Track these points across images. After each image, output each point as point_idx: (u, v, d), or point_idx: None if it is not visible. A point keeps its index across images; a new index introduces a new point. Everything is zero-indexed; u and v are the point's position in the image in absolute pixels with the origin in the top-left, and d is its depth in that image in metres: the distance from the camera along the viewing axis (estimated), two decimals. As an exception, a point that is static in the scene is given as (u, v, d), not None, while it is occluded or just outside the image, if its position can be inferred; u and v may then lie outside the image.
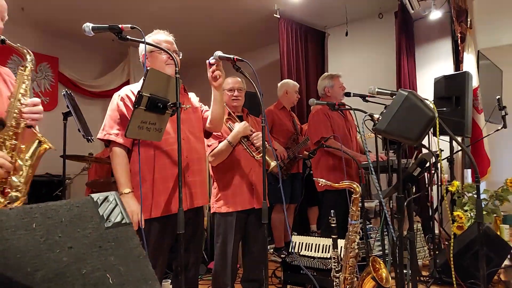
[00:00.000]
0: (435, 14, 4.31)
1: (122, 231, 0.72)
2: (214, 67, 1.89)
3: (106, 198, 0.75)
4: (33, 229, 0.64)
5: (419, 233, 3.36)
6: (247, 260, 2.58)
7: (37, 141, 1.42)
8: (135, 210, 1.74)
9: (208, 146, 2.36)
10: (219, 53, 1.92)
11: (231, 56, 1.87)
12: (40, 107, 1.44)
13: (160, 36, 1.97)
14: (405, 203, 1.69)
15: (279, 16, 4.94)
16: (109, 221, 0.72)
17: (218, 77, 1.91)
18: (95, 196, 0.74)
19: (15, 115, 1.36)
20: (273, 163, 2.20)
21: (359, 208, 2.07)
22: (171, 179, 1.88)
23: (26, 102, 1.40)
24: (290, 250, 2.94)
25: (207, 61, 1.92)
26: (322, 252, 2.82)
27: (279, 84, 4.04)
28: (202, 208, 2.10)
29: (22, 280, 0.57)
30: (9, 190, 1.33)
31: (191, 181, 1.94)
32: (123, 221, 0.73)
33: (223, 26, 5.47)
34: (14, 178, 1.34)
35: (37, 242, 0.63)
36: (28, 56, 1.47)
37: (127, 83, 6.26)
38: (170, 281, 3.01)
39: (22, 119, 1.37)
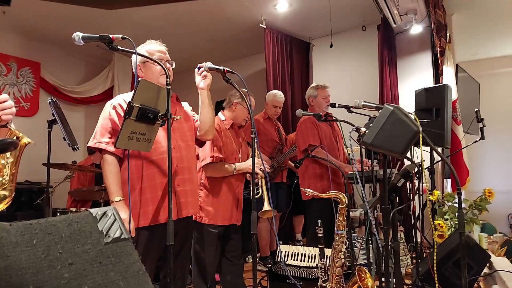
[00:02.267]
0: (416, 29, 4.45)
1: (121, 246, 0.72)
2: (202, 68, 1.94)
3: (105, 213, 0.75)
4: (34, 245, 0.64)
5: (402, 241, 3.43)
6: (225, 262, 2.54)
7: (14, 137, 1.39)
8: (125, 219, 1.74)
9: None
10: (209, 64, 1.95)
11: (222, 67, 1.90)
12: (11, 102, 1.37)
13: (153, 46, 1.98)
14: (391, 215, 1.73)
15: (265, 26, 5.01)
16: (109, 236, 0.72)
17: (206, 76, 1.95)
18: (94, 211, 0.75)
19: None
20: (266, 206, 2.28)
21: (345, 218, 2.11)
22: (160, 188, 1.87)
23: None
24: (276, 259, 2.95)
25: (196, 68, 1.96)
26: (308, 261, 2.85)
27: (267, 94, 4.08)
28: (191, 218, 2.09)
29: (25, 298, 0.57)
30: None
31: (181, 190, 1.94)
32: (122, 236, 0.74)
33: (210, 35, 5.50)
34: None
35: (38, 258, 0.63)
36: None
37: (111, 89, 6.19)
38: (155, 291, 2.98)
39: None
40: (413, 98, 3.71)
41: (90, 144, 1.85)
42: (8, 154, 1.35)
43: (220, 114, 2.63)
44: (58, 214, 3.47)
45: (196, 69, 1.95)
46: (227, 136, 2.50)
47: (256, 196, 2.43)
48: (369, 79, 4.97)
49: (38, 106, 5.56)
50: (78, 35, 1.69)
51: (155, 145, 1.82)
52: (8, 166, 1.34)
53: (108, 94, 6.18)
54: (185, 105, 2.18)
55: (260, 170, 2.35)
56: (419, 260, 3.10)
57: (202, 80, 1.95)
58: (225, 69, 1.85)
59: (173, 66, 1.98)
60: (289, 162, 4.12)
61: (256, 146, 1.81)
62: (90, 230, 0.72)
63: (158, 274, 2.12)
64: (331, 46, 4.87)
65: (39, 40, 5.57)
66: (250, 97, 2.51)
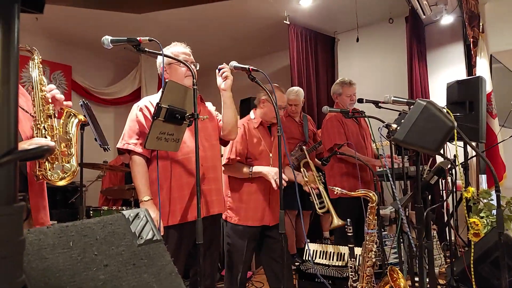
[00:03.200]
0: (447, 19, 4.29)
1: (154, 248, 0.73)
2: (223, 69, 1.94)
3: (137, 214, 0.76)
4: (70, 248, 0.65)
5: (435, 240, 3.32)
6: (269, 274, 2.53)
7: (70, 114, 1.52)
8: (154, 217, 1.78)
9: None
10: (234, 63, 1.96)
11: (246, 66, 1.91)
12: (56, 91, 1.53)
13: (178, 48, 2.01)
14: (425, 214, 1.68)
15: (288, 23, 4.96)
16: (141, 238, 0.73)
17: (227, 77, 1.95)
18: (126, 213, 0.76)
19: (42, 101, 1.46)
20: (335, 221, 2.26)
21: (375, 217, 2.06)
22: (187, 187, 1.91)
23: (47, 88, 1.50)
24: (304, 258, 2.92)
25: (217, 69, 1.97)
26: (337, 260, 2.81)
27: None
28: (219, 216, 2.11)
29: (63, 299, 0.58)
30: (63, 163, 1.46)
31: (207, 189, 1.96)
32: (154, 238, 0.74)
33: (233, 33, 5.51)
34: (65, 151, 1.47)
35: (75, 260, 0.64)
36: (34, 52, 1.58)
37: (138, 90, 6.33)
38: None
39: (50, 104, 1.48)
40: (444, 91, 3.57)
41: (119, 145, 1.90)
42: (69, 129, 1.47)
43: (251, 112, 2.59)
44: (91, 212, 3.59)
45: (217, 70, 1.95)
46: (254, 136, 2.45)
47: (321, 210, 2.42)
48: (397, 73, 4.83)
49: (71, 107, 5.76)
50: (107, 38, 1.73)
51: (181, 145, 1.84)
52: (72, 142, 1.47)
53: (136, 95, 6.32)
54: (209, 105, 2.19)
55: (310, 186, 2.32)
56: (453, 260, 3.00)
57: (223, 82, 1.95)
58: (250, 67, 1.85)
59: (197, 68, 2.00)
60: (316, 160, 4.06)
61: (283, 144, 1.79)
62: (124, 232, 0.73)
63: (188, 271, 2.16)
64: (357, 40, 4.77)
65: (69, 44, 5.76)
66: (280, 92, 2.49)
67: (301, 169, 2.34)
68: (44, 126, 1.44)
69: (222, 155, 2.40)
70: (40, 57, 1.58)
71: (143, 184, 1.84)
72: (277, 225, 2.42)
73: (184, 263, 1.97)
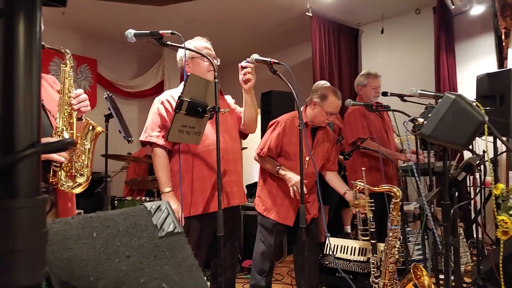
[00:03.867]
0: (477, 9, 4.11)
1: (175, 240, 0.73)
2: (245, 70, 1.91)
3: (159, 207, 0.77)
4: (94, 238, 0.66)
5: (461, 237, 3.23)
6: (296, 264, 2.54)
7: (90, 126, 1.53)
8: (175, 209, 1.81)
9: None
10: (255, 56, 1.93)
11: (268, 59, 1.88)
12: (85, 96, 1.55)
13: (200, 43, 2.02)
14: (452, 211, 1.62)
15: (311, 14, 4.89)
16: (163, 230, 0.74)
17: (249, 80, 1.93)
18: (148, 205, 0.76)
19: (66, 107, 1.47)
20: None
21: (399, 213, 2.02)
22: (208, 178, 1.93)
23: (72, 94, 1.51)
24: (325, 252, 2.90)
25: (239, 65, 1.94)
26: (359, 255, 2.77)
27: None
28: (239, 207, 2.13)
29: (86, 289, 0.59)
30: (76, 174, 1.47)
31: (227, 180, 1.98)
32: (176, 230, 0.75)
33: (255, 26, 5.47)
34: (79, 162, 1.48)
35: (98, 251, 0.65)
36: (66, 55, 1.56)
37: (161, 83, 6.41)
38: (206, 278, 3.06)
39: (73, 110, 1.49)
40: (473, 84, 3.44)
41: (142, 138, 1.93)
42: (85, 141, 1.50)
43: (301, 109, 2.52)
44: (115, 202, 3.68)
45: (239, 67, 1.93)
46: (294, 134, 2.35)
47: (363, 238, 2.35)
48: (424, 65, 4.68)
49: (96, 100, 5.89)
50: (130, 32, 1.75)
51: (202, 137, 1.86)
52: (86, 153, 1.48)
53: (159, 88, 6.40)
54: (228, 98, 2.21)
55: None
56: (480, 258, 2.90)
57: (245, 84, 1.94)
58: (272, 60, 1.83)
59: (218, 63, 2.00)
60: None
61: (304, 140, 1.77)
62: (146, 224, 0.73)
63: (209, 262, 2.18)
64: (382, 31, 4.65)
65: (95, 38, 5.87)
66: (334, 97, 2.36)
67: (354, 189, 2.28)
68: (64, 133, 1.45)
69: (242, 148, 2.41)
70: (72, 62, 1.58)
71: (165, 176, 1.88)
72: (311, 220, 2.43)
73: (205, 253, 2.00)
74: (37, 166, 0.41)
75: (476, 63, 4.36)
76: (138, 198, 3.64)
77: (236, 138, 2.10)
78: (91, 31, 5.66)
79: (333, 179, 2.54)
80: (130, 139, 2.63)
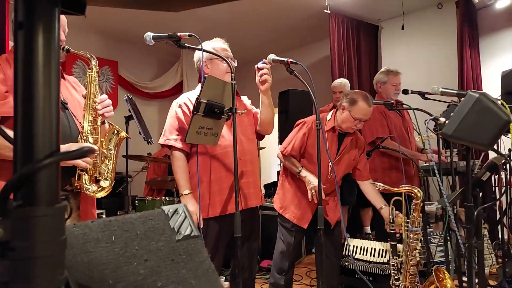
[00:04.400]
0: (502, 2, 3.98)
1: (192, 244, 0.74)
2: (262, 71, 1.91)
3: (176, 210, 0.78)
4: (113, 242, 0.67)
5: (486, 239, 3.14)
6: (316, 264, 2.54)
7: (115, 131, 1.56)
8: (193, 211, 1.83)
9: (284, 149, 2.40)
10: (272, 56, 1.93)
11: (285, 59, 1.88)
12: (109, 101, 1.58)
13: (219, 44, 2.03)
14: (475, 213, 1.58)
15: (329, 12, 4.83)
16: (180, 234, 0.74)
17: (266, 81, 1.92)
18: (166, 208, 0.77)
19: (91, 112, 1.50)
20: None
21: (420, 215, 1.98)
22: (225, 180, 1.94)
23: (97, 100, 1.54)
24: (344, 253, 2.87)
25: (256, 66, 1.94)
26: (379, 256, 2.73)
27: None
28: (257, 208, 2.13)
29: (105, 292, 0.60)
30: (100, 178, 1.50)
31: (244, 182, 1.99)
32: (192, 234, 0.75)
33: (272, 24, 5.46)
34: (103, 167, 1.51)
35: (117, 255, 0.66)
36: (92, 60, 1.60)
37: (180, 84, 6.48)
38: (224, 278, 3.08)
39: (98, 116, 1.53)
40: (498, 81, 3.33)
41: (161, 141, 1.97)
42: (110, 146, 1.53)
43: (330, 112, 2.44)
44: (136, 202, 3.74)
45: (256, 68, 1.93)
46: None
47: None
48: (447, 62, 4.56)
49: (117, 102, 6.00)
50: (149, 35, 1.78)
51: (219, 139, 1.87)
52: (112, 157, 1.52)
53: (178, 89, 6.47)
54: (244, 99, 2.21)
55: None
56: (505, 260, 2.81)
57: (262, 85, 1.94)
58: (289, 60, 1.82)
59: (236, 64, 2.01)
60: None
61: (323, 141, 1.75)
62: (163, 227, 0.74)
63: (229, 261, 2.20)
64: (403, 27, 4.55)
65: (116, 40, 5.99)
66: (364, 102, 2.26)
67: (391, 206, 2.21)
68: (89, 138, 1.49)
69: (260, 148, 2.41)
70: (97, 67, 1.61)
71: (183, 178, 1.90)
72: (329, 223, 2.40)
73: (223, 254, 2.01)
74: (56, 174, 0.42)
75: (501, 58, 4.22)
76: (158, 198, 3.69)
77: (252, 139, 2.10)
78: (112, 33, 5.77)
79: (369, 192, 2.47)
80: (149, 140, 2.67)
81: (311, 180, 2.20)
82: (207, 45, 2.01)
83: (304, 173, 2.27)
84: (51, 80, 0.42)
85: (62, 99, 1.51)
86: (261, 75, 1.91)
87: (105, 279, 0.62)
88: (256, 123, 2.14)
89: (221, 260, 2.03)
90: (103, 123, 1.57)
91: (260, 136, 2.22)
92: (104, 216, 3.65)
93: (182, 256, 0.71)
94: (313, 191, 2.18)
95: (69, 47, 1.56)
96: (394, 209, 2.14)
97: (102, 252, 0.65)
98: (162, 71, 6.62)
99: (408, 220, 2.10)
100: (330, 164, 2.23)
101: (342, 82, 3.90)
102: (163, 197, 3.79)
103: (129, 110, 2.66)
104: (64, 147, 1.38)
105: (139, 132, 2.68)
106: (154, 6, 0.65)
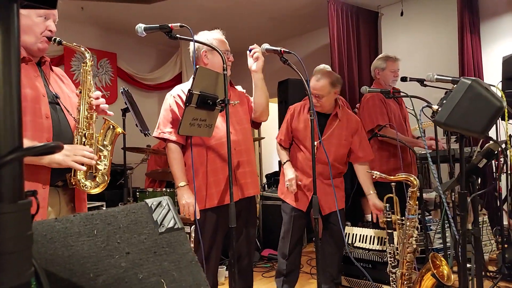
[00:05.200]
0: (504, -15, 3.90)
1: (175, 236, 0.75)
2: (254, 50, 1.93)
3: (159, 203, 0.78)
4: (95, 235, 0.68)
5: (485, 225, 3.14)
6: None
7: (110, 126, 1.56)
8: (190, 202, 1.84)
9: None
10: (266, 45, 1.93)
11: (278, 48, 1.87)
12: (103, 100, 1.57)
13: (217, 36, 2.03)
14: (469, 200, 1.57)
15: (328, -1, 4.77)
16: (163, 226, 0.75)
17: (257, 58, 1.92)
18: (149, 201, 0.78)
19: (87, 107, 1.49)
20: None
21: (416, 202, 1.98)
22: (221, 171, 1.94)
23: (93, 95, 1.53)
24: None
25: (248, 50, 1.96)
26: (378, 244, 2.74)
27: None
28: (254, 197, 2.13)
29: (86, 285, 0.61)
30: (96, 174, 1.49)
31: (241, 172, 1.99)
32: (176, 226, 0.76)
33: (270, 13, 5.39)
34: (100, 162, 1.51)
35: (99, 248, 0.67)
36: (86, 54, 1.57)
37: (179, 75, 6.45)
38: (226, 267, 3.11)
39: (93, 111, 1.52)
40: (499, 66, 3.29)
41: (155, 134, 1.97)
42: (105, 142, 1.52)
43: None
44: (137, 193, 3.77)
45: (248, 51, 1.93)
46: (301, 121, 2.46)
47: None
48: (447, 48, 4.50)
49: (116, 94, 6.00)
50: (140, 26, 1.76)
51: (214, 130, 1.87)
52: (108, 153, 1.51)
53: (178, 80, 6.45)
54: (239, 88, 2.20)
55: None
56: (505, 246, 2.82)
57: (254, 63, 1.93)
58: (282, 49, 1.81)
59: (233, 59, 2.03)
60: None
61: (314, 129, 1.75)
62: (146, 220, 0.74)
63: (226, 250, 2.23)
64: (402, 14, 4.49)
65: (114, 32, 5.95)
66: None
67: (384, 203, 2.22)
68: (85, 134, 1.47)
69: (261, 138, 2.44)
70: (92, 61, 1.59)
71: (179, 170, 1.91)
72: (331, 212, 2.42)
73: (222, 244, 2.03)
74: (19, 171, 0.42)
75: (502, 43, 4.16)
76: (159, 190, 3.71)
77: (247, 129, 2.10)
78: (111, 25, 5.74)
79: (360, 175, 2.51)
80: (146, 132, 2.67)
81: (287, 173, 2.35)
82: (204, 35, 2.00)
83: (286, 166, 2.42)
84: (12, 78, 0.41)
85: (54, 93, 1.48)
86: (253, 53, 1.92)
87: (86, 273, 0.63)
88: (251, 112, 2.14)
89: (220, 250, 2.05)
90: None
91: (256, 124, 2.22)
92: (104, 208, 3.68)
93: (164, 248, 0.72)
94: (287, 183, 2.31)
95: (61, 39, 1.53)
96: (388, 206, 2.14)
97: (84, 245, 0.66)
98: (161, 62, 6.59)
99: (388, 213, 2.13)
100: (315, 143, 2.27)
101: (325, 66, 3.86)
102: (164, 189, 3.81)
103: (125, 103, 2.65)
104: (67, 148, 1.38)
105: (136, 125, 2.68)
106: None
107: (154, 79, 6.41)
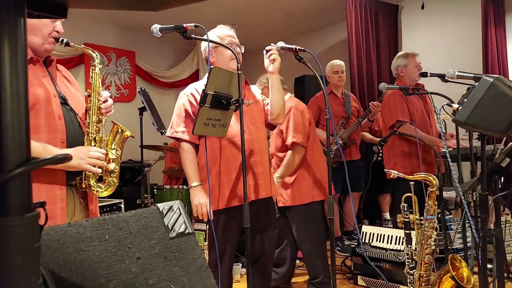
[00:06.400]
0: (532, -25, 3.74)
1: (185, 241, 0.75)
2: (270, 52, 1.90)
3: (170, 207, 0.78)
4: (106, 241, 0.69)
5: (508, 225, 3.04)
6: None
7: (119, 130, 1.57)
8: (203, 203, 1.85)
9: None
10: (281, 43, 1.91)
11: (293, 46, 1.86)
12: (111, 100, 1.58)
13: (223, 31, 2.01)
14: (491, 200, 1.52)
15: (346, -7, 4.68)
16: (174, 231, 0.75)
17: (274, 60, 1.90)
18: (160, 206, 0.78)
19: (97, 111, 1.50)
20: None
21: (435, 203, 1.93)
22: (234, 170, 1.93)
23: (101, 98, 1.53)
24: (360, 240, 2.85)
25: (264, 50, 1.94)
26: (396, 243, 2.70)
27: None
28: (271, 199, 2.10)
29: (97, 290, 0.62)
30: (106, 177, 1.51)
31: (253, 172, 1.97)
32: (186, 231, 0.76)
33: (287, 8, 5.34)
34: (110, 165, 1.52)
35: (110, 253, 0.68)
36: (94, 56, 1.55)
37: (196, 72, 6.49)
38: (241, 264, 3.12)
39: (102, 115, 1.52)
40: (526, 60, 3.17)
41: (168, 134, 1.98)
42: (114, 145, 1.54)
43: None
44: (155, 190, 3.82)
45: (264, 52, 1.91)
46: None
47: None
48: (470, 42, 4.35)
49: (135, 92, 6.08)
50: (156, 27, 1.78)
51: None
52: (118, 156, 1.53)
53: (195, 77, 6.49)
54: (254, 88, 2.18)
55: None
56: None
57: (271, 64, 1.91)
58: (297, 47, 1.79)
59: (243, 51, 1.98)
60: (372, 137, 3.88)
61: (329, 125, 1.72)
62: (157, 225, 0.75)
63: (242, 248, 2.21)
64: (423, 7, 4.36)
65: (133, 31, 6.03)
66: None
67: (402, 203, 2.14)
68: (94, 138, 1.48)
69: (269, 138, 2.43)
70: (100, 65, 1.57)
71: (192, 170, 1.91)
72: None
73: (235, 244, 2.03)
74: (27, 184, 0.42)
75: (529, 36, 4.00)
76: (176, 187, 3.75)
77: (261, 128, 2.07)
78: (130, 24, 5.81)
79: None
80: (163, 131, 2.70)
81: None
82: (212, 32, 1.99)
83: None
84: (20, 92, 0.42)
85: (62, 95, 1.47)
86: (270, 55, 1.90)
87: (97, 278, 0.64)
88: (266, 114, 2.12)
89: (233, 251, 2.04)
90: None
91: (271, 126, 2.21)
92: (122, 206, 3.75)
93: (174, 253, 0.72)
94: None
95: (68, 40, 1.49)
96: (405, 206, 2.09)
97: (95, 251, 0.67)
98: (178, 60, 6.64)
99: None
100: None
101: (341, 62, 3.83)
102: (181, 186, 3.85)
103: (142, 102, 2.69)
104: (71, 151, 1.38)
105: (152, 123, 2.71)
106: (135, 7, 0.65)
107: (172, 76, 6.47)
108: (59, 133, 1.39)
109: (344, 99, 3.79)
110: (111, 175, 1.52)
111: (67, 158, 0.47)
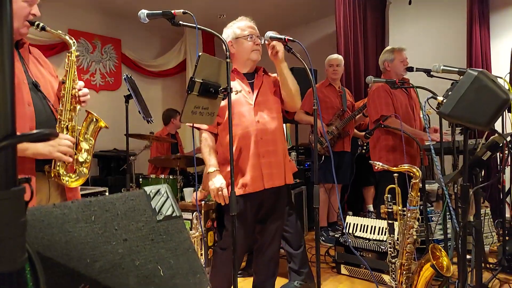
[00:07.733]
0: (516, -26, 3.81)
1: (172, 224, 0.75)
2: (271, 44, 1.91)
3: (158, 191, 0.78)
4: (92, 222, 0.68)
5: (487, 217, 3.13)
6: None
7: (94, 119, 1.53)
8: (222, 185, 1.89)
9: None
10: (270, 33, 1.91)
11: (282, 36, 1.86)
12: (87, 90, 1.53)
13: (244, 23, 2.05)
14: (471, 192, 1.56)
15: (335, -14, 4.69)
16: (161, 214, 0.75)
17: (278, 51, 1.90)
18: (148, 189, 0.78)
19: (71, 98, 1.46)
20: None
21: (418, 194, 1.97)
22: (246, 160, 1.97)
23: (77, 86, 1.48)
24: (344, 230, 2.90)
25: (264, 43, 1.95)
26: (379, 234, 2.75)
27: None
28: (283, 187, 2.10)
29: (83, 270, 0.62)
30: (77, 167, 1.46)
31: (265, 162, 1.98)
32: (174, 214, 0.76)
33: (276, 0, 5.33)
34: (82, 155, 1.48)
35: (96, 234, 0.67)
36: (71, 42, 1.51)
37: (183, 62, 6.42)
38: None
39: (77, 103, 1.48)
40: (508, 58, 3.24)
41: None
42: (88, 135, 1.50)
43: None
44: (140, 180, 3.79)
45: (266, 45, 1.91)
46: None
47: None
48: (455, 38, 4.43)
49: (120, 80, 5.99)
50: (143, 12, 1.75)
51: (240, 119, 1.95)
52: (91, 146, 1.49)
53: (182, 67, 6.42)
54: (274, 76, 2.17)
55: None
56: (506, 238, 2.82)
57: (274, 56, 1.92)
58: (286, 38, 1.79)
59: (263, 42, 2.00)
60: (355, 131, 3.94)
61: (317, 116, 1.73)
62: (144, 208, 0.75)
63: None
64: (410, 2, 4.41)
65: (119, 18, 5.91)
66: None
67: (386, 194, 2.15)
68: (67, 126, 1.43)
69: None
70: (77, 52, 1.53)
71: (210, 157, 1.97)
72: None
73: (250, 231, 2.04)
74: (12, 158, 0.42)
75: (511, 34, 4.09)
76: (162, 176, 3.73)
77: (276, 118, 2.06)
78: (116, 11, 5.69)
79: None
80: (149, 119, 2.67)
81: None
82: (233, 24, 2.04)
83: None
84: (5, 68, 0.41)
85: (33, 80, 1.41)
86: (272, 47, 1.91)
87: (83, 258, 0.63)
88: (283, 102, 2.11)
89: (248, 238, 2.05)
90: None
91: (290, 114, 2.25)
92: (107, 194, 3.71)
93: (162, 236, 0.72)
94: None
95: (44, 24, 1.43)
96: (389, 197, 2.12)
97: (81, 232, 0.67)
98: (165, 49, 6.55)
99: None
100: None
101: (338, 56, 3.89)
102: (167, 175, 3.82)
103: (128, 89, 2.65)
104: (51, 143, 1.33)
105: (139, 112, 2.68)
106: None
107: (158, 65, 6.38)
108: (27, 121, 1.33)
109: (341, 92, 3.85)
110: (83, 165, 1.47)
111: (54, 134, 0.46)
